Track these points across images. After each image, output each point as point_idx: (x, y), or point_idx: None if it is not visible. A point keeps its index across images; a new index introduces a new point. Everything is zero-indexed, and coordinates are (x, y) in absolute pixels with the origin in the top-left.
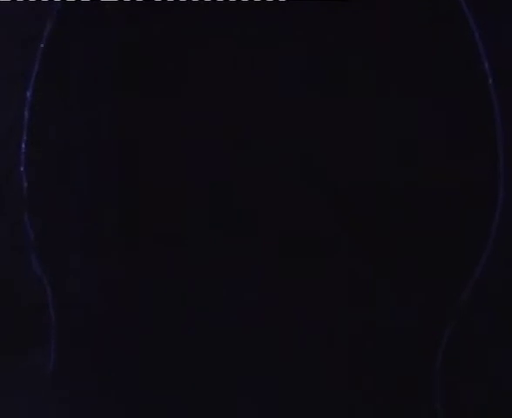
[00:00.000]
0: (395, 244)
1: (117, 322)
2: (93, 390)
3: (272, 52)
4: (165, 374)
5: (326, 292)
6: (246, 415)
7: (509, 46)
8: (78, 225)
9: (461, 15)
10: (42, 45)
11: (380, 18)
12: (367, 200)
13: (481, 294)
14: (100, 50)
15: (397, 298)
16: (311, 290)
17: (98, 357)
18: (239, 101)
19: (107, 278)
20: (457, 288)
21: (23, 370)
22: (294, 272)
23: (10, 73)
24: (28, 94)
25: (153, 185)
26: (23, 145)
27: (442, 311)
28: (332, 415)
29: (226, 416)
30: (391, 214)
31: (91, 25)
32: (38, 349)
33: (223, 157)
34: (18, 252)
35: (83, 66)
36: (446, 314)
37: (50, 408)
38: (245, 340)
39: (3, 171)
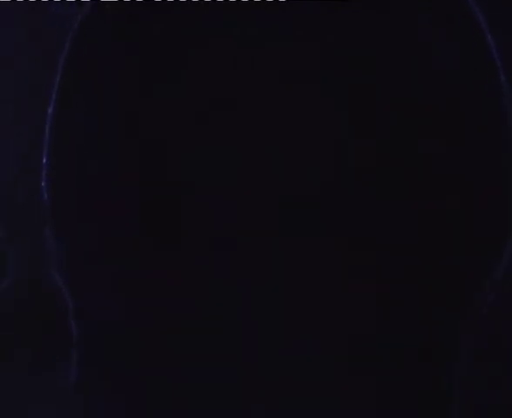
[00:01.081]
0: (409, 240)
1: (139, 335)
2: (115, 404)
3: (273, 52)
4: (187, 387)
5: (333, 292)
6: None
7: None
8: (100, 238)
9: (468, 14)
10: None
11: (380, 18)
12: (370, 200)
13: (500, 295)
14: (113, 56)
15: (410, 299)
16: (314, 289)
17: (121, 370)
18: (239, 101)
19: (130, 291)
20: (474, 289)
21: (44, 384)
22: (296, 272)
23: (30, 88)
24: (49, 110)
25: (171, 190)
26: (45, 160)
27: (459, 310)
28: (338, 415)
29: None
30: (399, 211)
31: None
32: (60, 363)
33: (223, 156)
34: (40, 265)
35: (102, 79)
36: (463, 315)
37: None
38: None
39: (24, 185)
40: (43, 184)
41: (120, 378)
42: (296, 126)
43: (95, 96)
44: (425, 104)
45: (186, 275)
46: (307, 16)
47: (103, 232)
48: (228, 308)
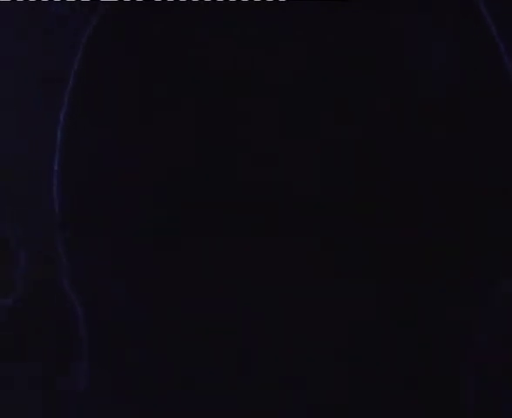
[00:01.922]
0: (427, 246)
1: (148, 339)
2: (125, 408)
3: (273, 52)
4: (198, 390)
5: (348, 293)
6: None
7: None
8: (109, 245)
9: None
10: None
11: (380, 18)
12: (370, 199)
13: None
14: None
15: (425, 300)
16: (321, 289)
17: (130, 374)
18: (239, 101)
19: (138, 296)
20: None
21: (54, 388)
22: (301, 272)
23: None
24: (61, 115)
25: (177, 195)
26: (56, 166)
27: (473, 314)
28: (351, 411)
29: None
30: (418, 214)
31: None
32: (70, 368)
33: (223, 156)
34: (49, 271)
35: (114, 86)
36: (477, 316)
37: None
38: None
39: (35, 190)
40: (54, 188)
41: (130, 380)
42: (296, 126)
43: (100, 99)
44: (425, 104)
45: (196, 281)
46: (307, 16)
47: (112, 238)
48: (228, 307)
